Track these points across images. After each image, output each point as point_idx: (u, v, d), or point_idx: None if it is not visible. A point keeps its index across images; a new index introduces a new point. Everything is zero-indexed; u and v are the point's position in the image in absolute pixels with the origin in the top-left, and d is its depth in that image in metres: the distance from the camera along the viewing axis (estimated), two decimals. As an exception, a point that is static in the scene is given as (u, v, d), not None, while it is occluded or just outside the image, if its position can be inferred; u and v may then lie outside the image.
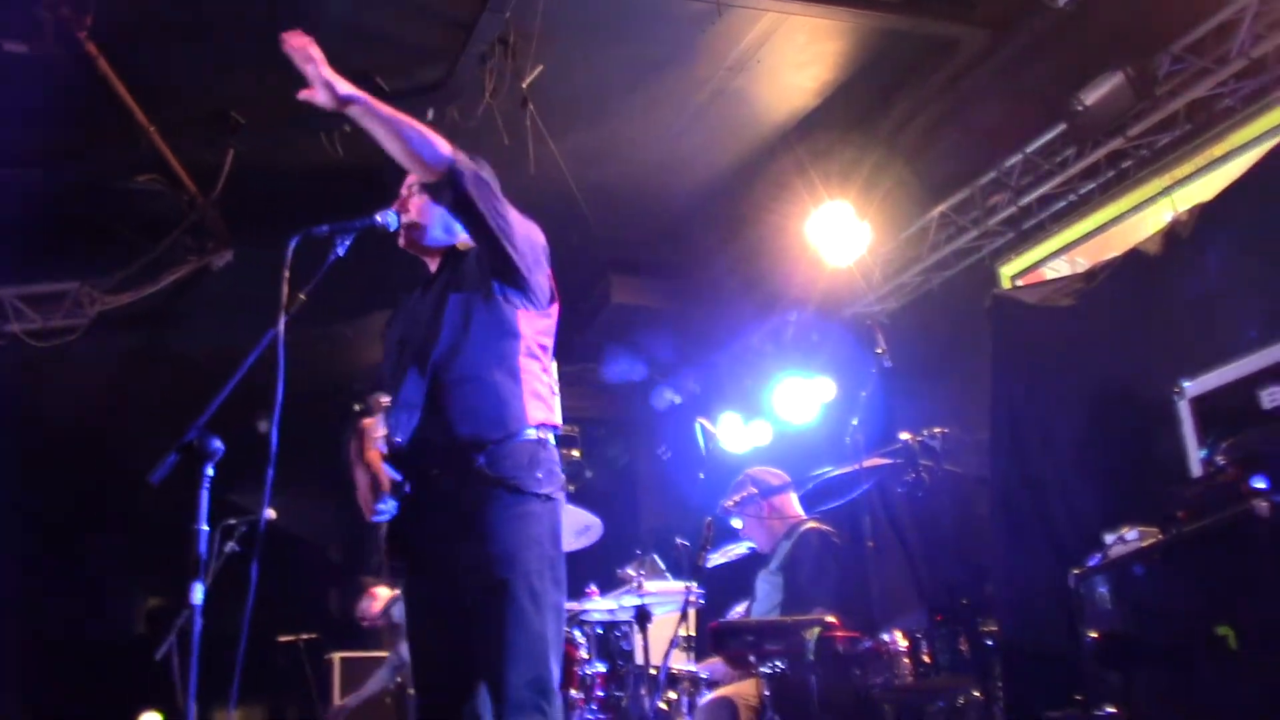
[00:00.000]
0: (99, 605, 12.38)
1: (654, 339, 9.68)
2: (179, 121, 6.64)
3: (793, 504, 5.63)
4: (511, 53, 6.33)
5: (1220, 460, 2.78)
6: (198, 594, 3.39)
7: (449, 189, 3.20)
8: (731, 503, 5.50)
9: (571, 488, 9.79)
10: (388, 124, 3.13)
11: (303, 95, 3.11)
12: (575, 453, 9.80)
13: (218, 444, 3.32)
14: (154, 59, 6.18)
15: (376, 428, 3.20)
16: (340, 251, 3.57)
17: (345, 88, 3.06)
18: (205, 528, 3.35)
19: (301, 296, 3.49)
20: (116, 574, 12.37)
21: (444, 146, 3.19)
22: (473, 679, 2.95)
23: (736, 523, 5.59)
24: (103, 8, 5.61)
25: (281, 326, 3.33)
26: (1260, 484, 2.51)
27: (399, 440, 3.15)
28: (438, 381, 3.20)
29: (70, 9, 5.47)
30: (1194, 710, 2.61)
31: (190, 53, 6.28)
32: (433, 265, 3.56)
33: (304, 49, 3.03)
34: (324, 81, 3.04)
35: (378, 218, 3.56)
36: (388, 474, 3.18)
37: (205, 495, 3.37)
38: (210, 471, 3.35)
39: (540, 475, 3.09)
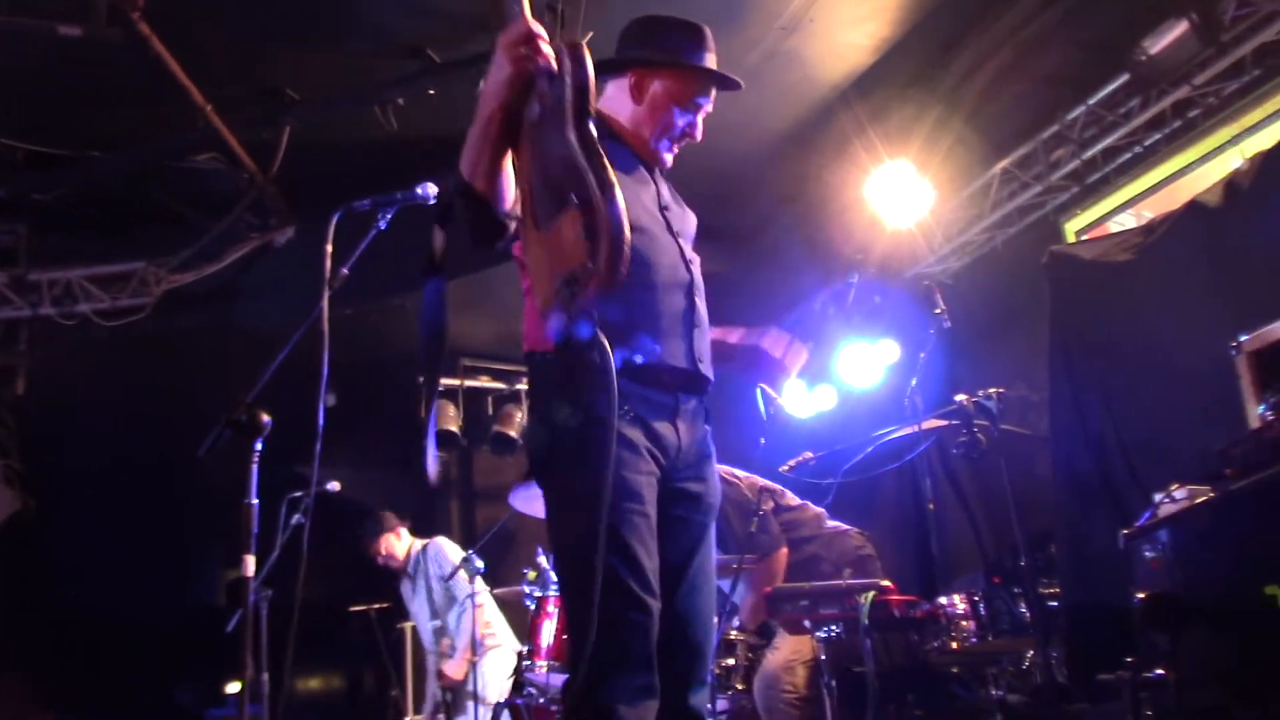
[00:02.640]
0: (185, 578, 12.69)
1: (715, 304, 9.62)
2: (234, 99, 6.71)
3: None
4: (560, 19, 6.29)
5: (1271, 416, 2.70)
6: (250, 567, 3.46)
7: None
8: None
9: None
10: None
11: None
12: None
13: (266, 419, 3.39)
14: (207, 37, 6.24)
15: None
16: (382, 225, 3.62)
17: None
18: (256, 501, 3.42)
19: (344, 271, 3.55)
20: (200, 548, 12.67)
21: None
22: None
23: None
24: (155, -10, 5.68)
25: (325, 302, 3.38)
26: (1309, 439, 2.43)
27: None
28: (696, 299, 2.80)
29: (123, -10, 5.54)
30: (1242, 671, 2.55)
31: (242, 30, 6.33)
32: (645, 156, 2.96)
33: None
34: None
35: (418, 191, 3.58)
36: None
37: (255, 470, 3.44)
38: (259, 446, 3.42)
39: None
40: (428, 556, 7.07)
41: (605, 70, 2.88)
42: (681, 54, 2.85)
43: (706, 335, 2.80)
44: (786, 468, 5.49)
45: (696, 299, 2.78)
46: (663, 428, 2.61)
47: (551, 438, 2.56)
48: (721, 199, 8.54)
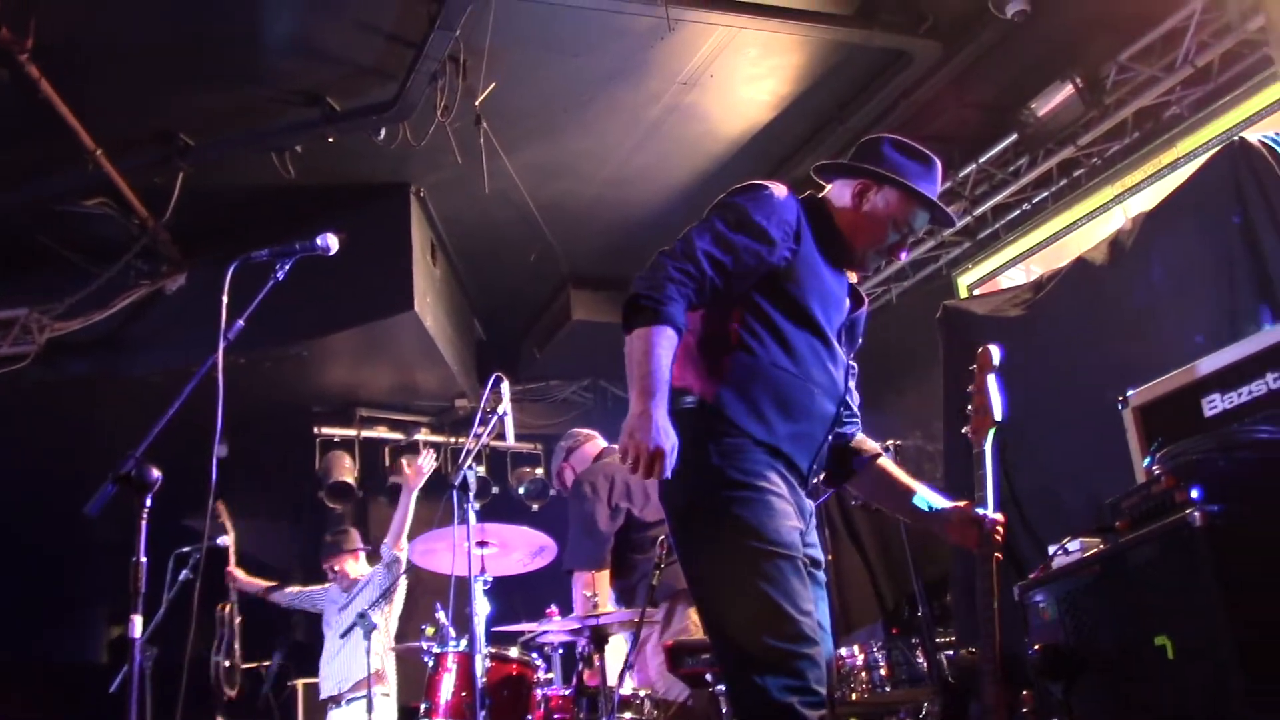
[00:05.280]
0: (67, 635, 12.22)
1: (616, 356, 9.64)
2: (126, 143, 6.57)
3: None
4: (462, 70, 6.30)
5: (1157, 470, 2.78)
6: (136, 627, 3.32)
7: None
8: None
9: (535, 506, 9.75)
10: None
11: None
12: (538, 471, 9.77)
13: (156, 474, 3.26)
14: (99, 81, 6.10)
15: None
16: (280, 275, 3.55)
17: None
18: (145, 559, 3.29)
19: (240, 323, 3.47)
20: (83, 604, 12.23)
21: None
22: None
23: None
24: (44, 29, 5.54)
25: (221, 352, 3.30)
26: (1194, 493, 2.50)
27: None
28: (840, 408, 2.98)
29: (10, 31, 5.38)
30: (1134, 721, 2.60)
31: (136, 74, 6.21)
32: (852, 269, 3.13)
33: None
34: None
35: (317, 242, 3.53)
36: None
37: (144, 526, 3.31)
38: (149, 502, 3.30)
39: None
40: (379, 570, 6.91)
41: (839, 171, 3.08)
42: (908, 175, 2.99)
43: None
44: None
45: (840, 408, 2.95)
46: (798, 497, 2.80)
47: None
48: (621, 250, 8.58)
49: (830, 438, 2.93)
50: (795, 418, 2.76)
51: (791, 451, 2.75)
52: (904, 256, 3.15)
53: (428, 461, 6.70)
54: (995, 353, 3.04)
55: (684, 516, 2.75)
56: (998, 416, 2.99)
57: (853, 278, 3.12)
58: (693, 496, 2.71)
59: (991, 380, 3.02)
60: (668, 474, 2.55)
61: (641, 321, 2.65)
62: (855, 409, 3.19)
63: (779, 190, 2.90)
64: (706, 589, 2.71)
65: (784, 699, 2.50)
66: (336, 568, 7.13)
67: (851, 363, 3.19)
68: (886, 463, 3.17)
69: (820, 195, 3.10)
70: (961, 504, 3.00)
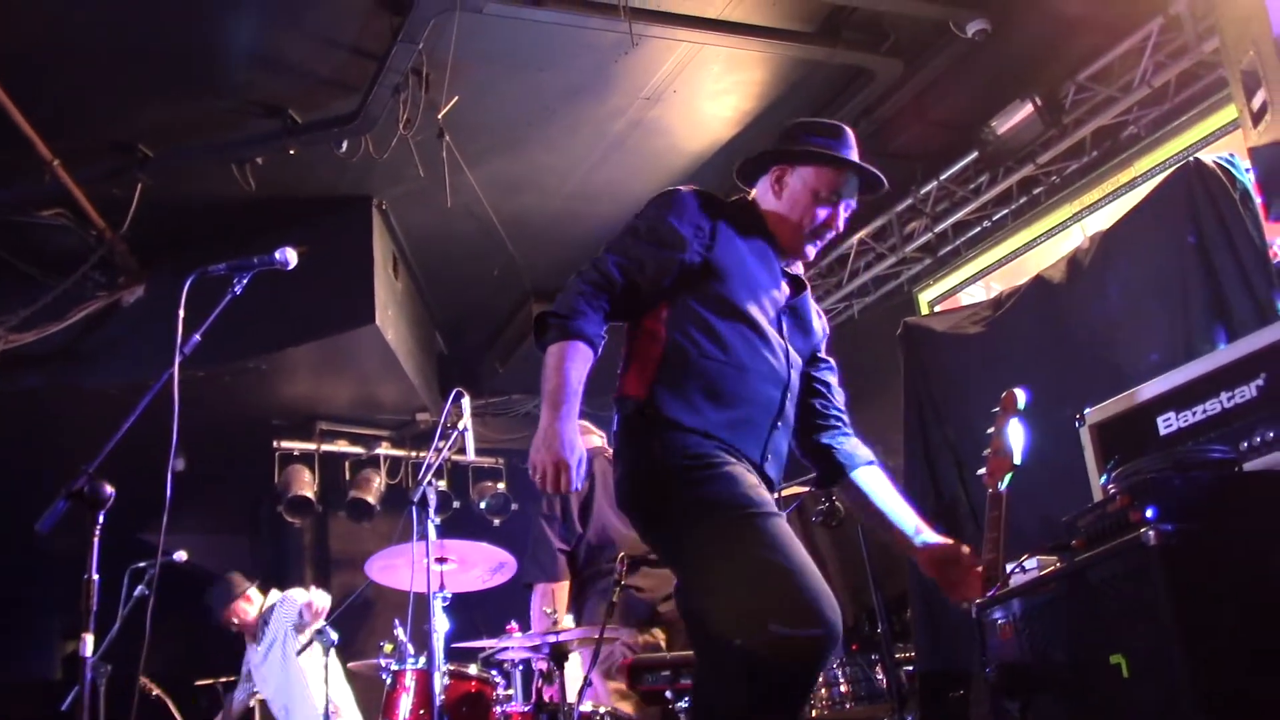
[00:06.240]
0: (19, 651, 12.05)
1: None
2: (84, 154, 6.50)
3: None
4: (425, 83, 6.28)
5: (1112, 488, 2.80)
6: (88, 646, 3.28)
7: None
8: None
9: (496, 521, 9.69)
10: None
11: None
12: (500, 485, 9.74)
13: (109, 490, 3.22)
14: (56, 90, 6.04)
15: None
16: (238, 290, 3.52)
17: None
18: (97, 576, 3.24)
19: (197, 338, 3.44)
20: (37, 619, 12.07)
21: None
22: None
23: None
24: (0, 37, 5.48)
25: (176, 369, 3.26)
26: (1149, 512, 2.52)
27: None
28: (788, 400, 2.91)
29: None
30: (1090, 740, 2.62)
31: (94, 84, 6.16)
32: (793, 262, 3.11)
33: None
34: None
35: (275, 255, 3.50)
36: None
37: (96, 544, 3.27)
38: (102, 518, 3.25)
39: None
40: (283, 607, 6.75)
41: (755, 169, 3.08)
42: (817, 148, 2.98)
43: (786, 435, 2.93)
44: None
45: (788, 401, 2.90)
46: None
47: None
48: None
49: (782, 425, 2.88)
50: (728, 405, 2.74)
51: (733, 440, 2.72)
52: (842, 222, 3.06)
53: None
54: (1020, 397, 3.05)
55: (652, 521, 2.75)
56: (1017, 460, 2.99)
57: (799, 269, 3.12)
58: (653, 499, 2.71)
59: (1014, 423, 3.03)
60: (575, 486, 2.57)
61: (551, 338, 2.70)
62: (840, 408, 3.21)
63: (692, 193, 2.96)
64: (698, 581, 2.67)
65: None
66: (235, 619, 6.86)
67: (828, 358, 3.22)
68: (876, 475, 3.14)
69: (749, 198, 3.12)
70: (950, 542, 3.01)
